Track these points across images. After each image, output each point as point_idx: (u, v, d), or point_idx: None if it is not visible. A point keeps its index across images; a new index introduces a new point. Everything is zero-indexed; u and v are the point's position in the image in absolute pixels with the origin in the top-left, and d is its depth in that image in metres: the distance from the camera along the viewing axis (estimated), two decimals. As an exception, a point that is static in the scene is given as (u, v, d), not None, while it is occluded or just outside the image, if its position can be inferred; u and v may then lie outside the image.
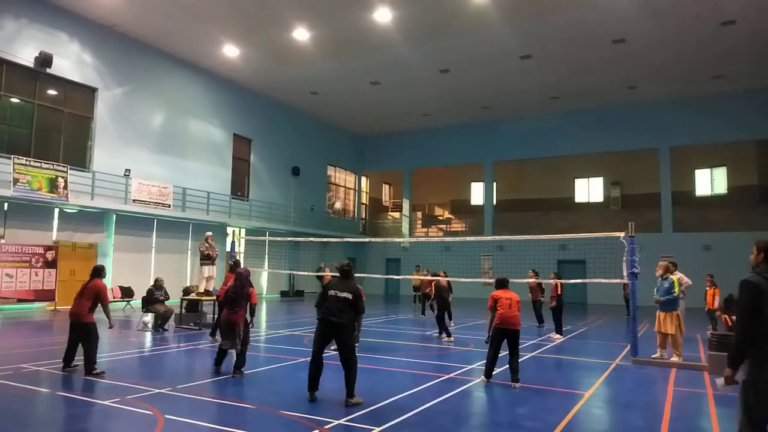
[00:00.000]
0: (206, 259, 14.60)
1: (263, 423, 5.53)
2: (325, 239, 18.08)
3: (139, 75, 20.63)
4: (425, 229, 35.10)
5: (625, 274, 9.87)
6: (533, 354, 10.32)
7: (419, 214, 35.57)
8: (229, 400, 6.39)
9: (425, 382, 7.44)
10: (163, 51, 21.39)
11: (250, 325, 8.26)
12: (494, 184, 31.43)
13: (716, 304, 13.65)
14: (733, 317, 11.62)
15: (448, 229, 34.65)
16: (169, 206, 20.40)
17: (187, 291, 15.00)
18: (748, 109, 24.59)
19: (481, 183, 31.85)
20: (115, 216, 18.99)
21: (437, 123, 31.13)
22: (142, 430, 5.09)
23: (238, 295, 7.95)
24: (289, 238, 20.67)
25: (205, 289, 14.17)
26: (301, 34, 19.80)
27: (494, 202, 31.20)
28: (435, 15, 18.36)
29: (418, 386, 7.12)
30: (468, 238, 16.69)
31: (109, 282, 17.72)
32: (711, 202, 28.52)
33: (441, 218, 36.62)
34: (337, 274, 7.03)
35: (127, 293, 17.59)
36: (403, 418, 5.63)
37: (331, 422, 5.38)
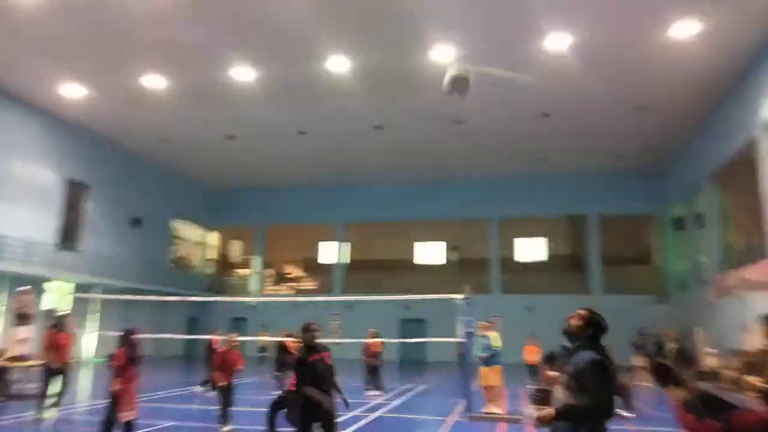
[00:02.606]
0: (22, 319, 12.94)
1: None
2: (164, 297, 16.99)
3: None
4: (276, 287, 34.51)
5: (460, 333, 10.75)
6: (378, 413, 10.60)
7: (270, 272, 34.96)
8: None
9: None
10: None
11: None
12: (347, 244, 32.26)
13: (538, 360, 15.30)
14: (551, 372, 13.12)
15: (298, 287, 34.46)
16: (-22, 256, 17.74)
17: (-7, 356, 13.02)
18: (563, 188, 28.69)
19: (334, 242, 32.50)
20: None
21: (293, 181, 31.44)
22: None
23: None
24: (127, 296, 19.03)
25: (18, 354, 12.43)
26: (154, 81, 19.13)
27: (345, 262, 31.90)
28: (295, 79, 18.98)
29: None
30: (317, 298, 16.94)
31: None
32: (532, 267, 32.22)
33: (291, 276, 36.34)
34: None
35: None
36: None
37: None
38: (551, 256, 33.09)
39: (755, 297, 15.47)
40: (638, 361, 16.58)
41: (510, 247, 32.15)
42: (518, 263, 32.81)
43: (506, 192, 29.42)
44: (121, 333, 7.70)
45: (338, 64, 17.79)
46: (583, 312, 3.52)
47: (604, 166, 27.41)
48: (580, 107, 20.65)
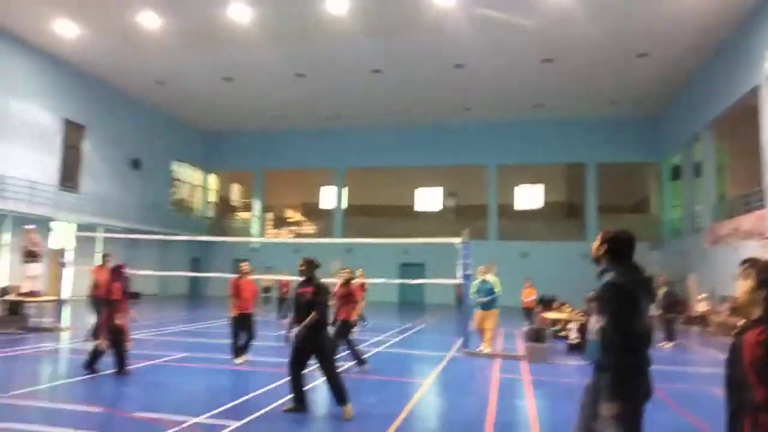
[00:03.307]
0: (31, 256, 13.28)
1: (115, 426, 5.41)
2: (167, 237, 17.27)
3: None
4: (276, 231, 34.94)
5: (458, 275, 11.13)
6: (378, 349, 11.11)
7: (270, 216, 35.29)
8: (76, 404, 6.09)
9: (280, 379, 7.72)
10: (-21, 18, 18.70)
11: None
12: (345, 189, 32.44)
13: (533, 302, 15.87)
14: (546, 314, 13.68)
15: (298, 231, 34.88)
16: (-18, 195, 17.89)
17: (4, 291, 13.48)
18: (561, 135, 28.65)
19: (333, 187, 32.66)
20: None
21: (291, 125, 31.23)
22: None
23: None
24: (126, 235, 19.33)
25: (29, 290, 12.83)
26: (149, 19, 18.69)
27: (344, 207, 32.19)
28: (294, 20, 18.61)
29: (273, 383, 7.37)
30: (319, 240, 17.22)
31: None
32: (529, 214, 32.61)
33: (291, 220, 36.71)
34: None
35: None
36: (261, 413, 5.89)
37: (188, 420, 5.45)
38: (548, 203, 33.44)
39: (747, 245, 15.88)
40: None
41: (507, 194, 32.40)
42: (515, 210, 33.18)
43: (504, 139, 29.37)
44: (112, 267, 8.09)
45: (337, 5, 17.42)
46: (603, 232, 3.24)
47: (604, 113, 27.32)
48: (583, 53, 20.40)
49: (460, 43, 19.92)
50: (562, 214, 32.04)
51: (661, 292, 13.21)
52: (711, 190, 20.60)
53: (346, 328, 8.66)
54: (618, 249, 3.12)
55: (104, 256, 10.66)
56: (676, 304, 14.07)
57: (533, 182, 33.78)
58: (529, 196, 34.22)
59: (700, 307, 18.19)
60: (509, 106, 27.05)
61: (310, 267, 6.20)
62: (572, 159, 29.67)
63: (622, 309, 2.91)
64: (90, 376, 7.47)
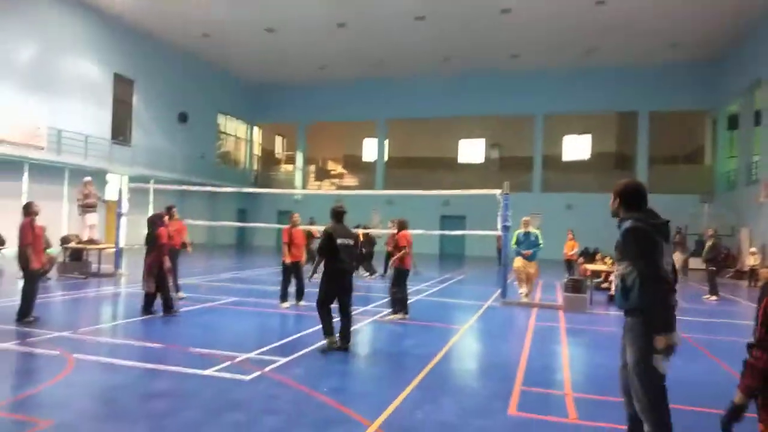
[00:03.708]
0: (89, 207, 14.01)
1: (173, 358, 5.87)
2: (215, 188, 17.82)
3: (4, 1, 18.40)
4: (318, 183, 35.45)
5: (499, 227, 11.16)
6: (418, 297, 11.40)
7: (312, 168, 35.75)
8: (137, 340, 6.62)
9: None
10: (31, -25, 19.21)
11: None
12: (386, 141, 32.38)
13: (575, 255, 15.78)
14: (588, 265, 13.60)
15: (340, 184, 35.28)
16: (43, 148, 18.84)
17: (65, 240, 14.31)
18: (613, 83, 27.49)
19: (374, 139, 32.63)
20: (-23, 157, 17.23)
21: (333, 77, 31.11)
22: (54, 370, 5.23)
23: (149, 238, 8.19)
24: (177, 186, 20.02)
25: (89, 238, 13.64)
26: (193, -29, 18.77)
27: (385, 159, 32.22)
28: (335, -33, 18.30)
29: (317, 325, 7.73)
30: (360, 192, 17.44)
31: (-27, 229, 16.21)
32: (575, 166, 31.80)
33: (334, 173, 37.08)
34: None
35: (-4, 241, 16.24)
36: (306, 350, 6.26)
37: (239, 356, 5.86)
38: (595, 154, 32.46)
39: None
40: (676, 257, 16.86)
41: (553, 145, 31.57)
42: (561, 161, 32.40)
43: (552, 87, 28.41)
44: (156, 214, 8.52)
45: (380, -51, 16.97)
46: (615, 186, 3.30)
47: (658, 59, 25.97)
48: (639, -7, 19.29)
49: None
50: (611, 165, 31.06)
51: (708, 245, 12.88)
52: (771, 140, 19.58)
53: (397, 274, 8.82)
54: (630, 198, 3.20)
55: (169, 208, 10.58)
56: (724, 258, 13.71)
57: (581, 132, 32.76)
58: (576, 147, 33.26)
59: (751, 261, 17.64)
60: (559, 53, 26.04)
61: (333, 216, 6.58)
62: (623, 107, 28.55)
63: (643, 250, 2.96)
64: (148, 317, 8.04)
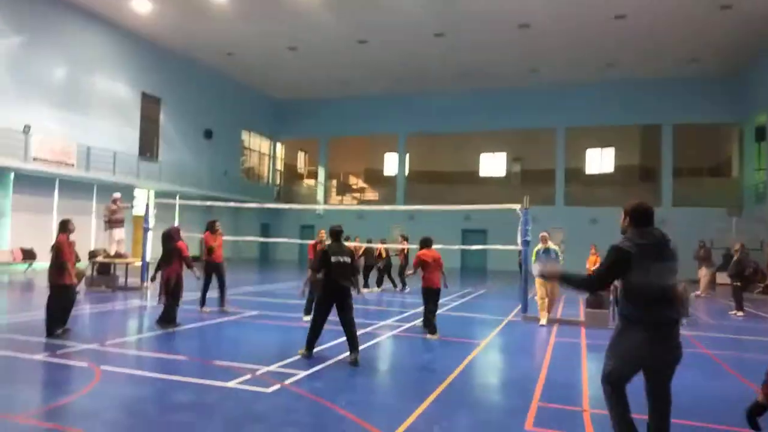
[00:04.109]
0: (117, 222, 14.37)
1: (197, 371, 6.01)
2: (239, 204, 18.13)
3: (38, 24, 19.22)
4: (339, 197, 35.74)
5: (519, 241, 11.12)
6: (439, 312, 11.38)
7: (334, 182, 36.09)
8: (162, 353, 6.79)
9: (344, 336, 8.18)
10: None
11: (197, 277, 9.32)
12: (407, 155, 32.56)
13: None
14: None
15: (361, 198, 35.52)
16: (72, 165, 19.45)
17: (93, 254, 14.68)
18: (635, 96, 27.28)
19: (395, 153, 32.83)
20: (13, 174, 17.86)
21: (354, 93, 31.52)
22: (83, 382, 5.41)
23: (164, 252, 8.40)
24: (202, 202, 20.43)
25: (116, 252, 13.99)
26: (218, -7, 19.33)
27: (406, 173, 32.37)
28: (356, -14, 18.66)
29: (339, 338, 7.82)
30: (382, 207, 17.58)
31: (7, 243, 16.81)
32: (598, 179, 31.50)
33: (355, 187, 37.36)
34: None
35: (28, 255, 16.81)
36: (326, 364, 6.34)
37: (260, 369, 5.97)
38: (619, 167, 32.11)
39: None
40: (702, 272, 16.54)
41: (576, 159, 31.36)
42: (584, 174, 32.13)
43: (573, 100, 28.31)
44: (172, 228, 8.74)
45: (400, -32, 17.27)
46: (625, 206, 3.62)
47: (681, 71, 25.74)
48: (659, 8, 19.21)
49: (525, 1, 19.27)
50: (635, 178, 30.69)
51: (734, 259, 12.64)
52: (800, 152, 19.16)
53: (425, 294, 8.75)
54: (637, 218, 3.49)
55: (213, 222, 10.49)
56: (752, 273, 13.39)
57: (604, 146, 32.48)
58: (599, 160, 32.96)
59: (780, 275, 17.19)
60: (579, 67, 25.99)
61: (330, 235, 7.02)
62: (646, 120, 28.28)
63: (610, 265, 3.39)
64: (173, 330, 8.21)
